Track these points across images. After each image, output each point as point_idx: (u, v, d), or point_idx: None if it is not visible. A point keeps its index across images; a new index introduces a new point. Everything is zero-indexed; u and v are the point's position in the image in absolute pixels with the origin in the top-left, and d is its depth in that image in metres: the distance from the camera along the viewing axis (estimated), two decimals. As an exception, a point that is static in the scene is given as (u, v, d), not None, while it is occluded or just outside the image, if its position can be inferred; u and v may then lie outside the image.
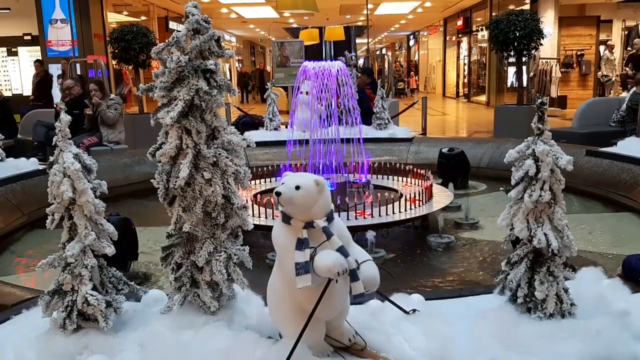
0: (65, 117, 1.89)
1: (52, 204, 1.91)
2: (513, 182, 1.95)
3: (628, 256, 2.37)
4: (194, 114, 1.82)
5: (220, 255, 1.88)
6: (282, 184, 1.63)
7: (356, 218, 3.90)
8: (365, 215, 3.96)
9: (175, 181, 1.83)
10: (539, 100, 1.89)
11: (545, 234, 1.87)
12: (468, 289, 2.77)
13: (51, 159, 1.93)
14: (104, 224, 1.94)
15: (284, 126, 7.57)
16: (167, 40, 1.83)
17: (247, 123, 8.41)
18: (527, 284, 1.92)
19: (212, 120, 1.84)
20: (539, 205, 1.90)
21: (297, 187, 1.60)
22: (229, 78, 23.32)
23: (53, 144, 1.92)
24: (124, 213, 3.72)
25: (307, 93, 6.89)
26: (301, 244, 1.58)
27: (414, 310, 1.98)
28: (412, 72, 25.90)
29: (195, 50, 1.82)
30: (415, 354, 1.74)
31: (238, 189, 1.93)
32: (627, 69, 13.47)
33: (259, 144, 6.48)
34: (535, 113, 1.90)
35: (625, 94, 9.53)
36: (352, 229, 1.85)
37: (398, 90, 23.00)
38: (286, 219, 1.64)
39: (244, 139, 1.92)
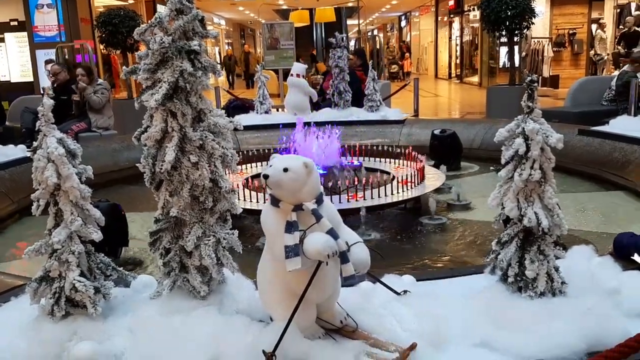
0: (47, 101, 1.86)
1: (37, 189, 1.88)
2: (503, 161, 1.94)
3: (619, 234, 2.37)
4: (178, 96, 1.78)
5: (209, 240, 1.86)
6: (270, 166, 1.60)
7: (348, 201, 3.89)
8: (357, 198, 3.95)
9: (162, 165, 1.80)
10: (529, 78, 1.87)
11: (535, 213, 1.86)
12: (459, 269, 2.77)
13: (35, 144, 1.89)
14: (90, 209, 1.91)
15: (275, 109, 7.51)
16: (149, 21, 1.79)
17: (238, 107, 8.33)
18: (518, 263, 1.92)
19: (197, 102, 1.80)
20: (529, 184, 1.88)
21: (285, 170, 1.57)
22: (218, 61, 22.68)
23: (37, 129, 1.89)
24: (114, 199, 3.69)
25: (297, 75, 6.85)
26: (290, 227, 1.56)
27: (405, 292, 1.97)
28: (406, 54, 25.53)
29: (178, 31, 1.77)
30: (407, 335, 1.73)
31: (226, 172, 1.90)
32: (619, 47, 13.41)
33: (250, 128, 6.47)
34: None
35: (617, 73, 9.50)
36: (343, 212, 1.83)
37: (392, 74, 22.70)
38: (275, 202, 1.62)
39: (230, 121, 1.88)
